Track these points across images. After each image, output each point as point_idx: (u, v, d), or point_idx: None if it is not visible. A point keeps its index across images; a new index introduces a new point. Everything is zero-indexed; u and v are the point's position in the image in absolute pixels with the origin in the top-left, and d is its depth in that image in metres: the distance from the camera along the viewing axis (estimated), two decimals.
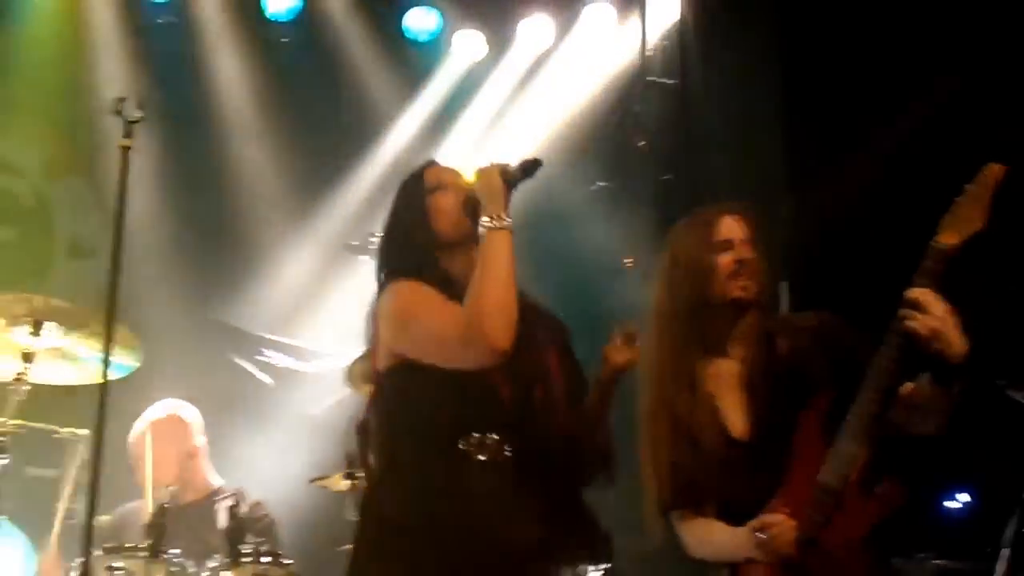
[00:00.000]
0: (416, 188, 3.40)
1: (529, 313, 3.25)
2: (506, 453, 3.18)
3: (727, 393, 3.46)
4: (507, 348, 3.02)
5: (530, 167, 3.28)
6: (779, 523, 3.20)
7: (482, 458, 3.16)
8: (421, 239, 3.31)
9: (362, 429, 3.34)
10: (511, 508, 3.16)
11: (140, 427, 5.26)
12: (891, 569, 3.40)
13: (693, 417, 3.42)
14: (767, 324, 3.50)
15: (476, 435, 3.16)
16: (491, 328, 3.00)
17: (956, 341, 3.08)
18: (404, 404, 3.21)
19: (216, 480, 5.35)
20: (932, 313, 3.07)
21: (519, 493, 3.17)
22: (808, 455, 3.29)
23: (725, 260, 3.45)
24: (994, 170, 3.16)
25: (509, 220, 3.15)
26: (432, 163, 3.50)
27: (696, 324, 3.49)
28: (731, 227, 3.51)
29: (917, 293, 3.10)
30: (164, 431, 5.25)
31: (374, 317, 3.28)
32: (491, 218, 3.13)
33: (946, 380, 3.15)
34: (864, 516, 3.26)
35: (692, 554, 3.46)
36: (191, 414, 5.41)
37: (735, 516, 3.36)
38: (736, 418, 3.42)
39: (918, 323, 3.08)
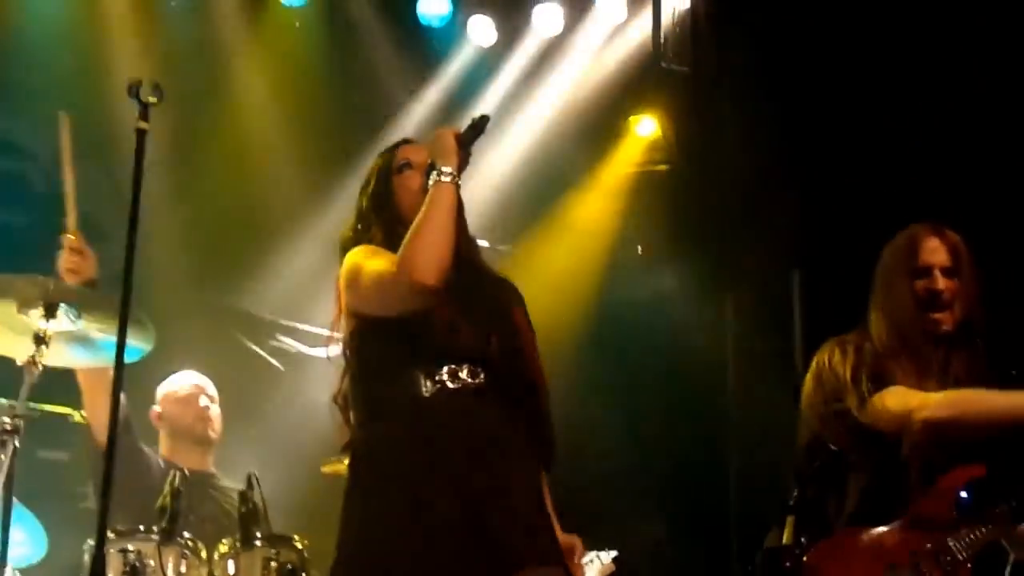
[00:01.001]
0: (386, 166, 3.52)
1: (492, 275, 3.48)
2: (478, 381, 3.26)
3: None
4: (435, 284, 3.13)
5: (479, 123, 3.34)
6: None
7: (453, 386, 3.25)
8: (385, 216, 3.42)
9: (342, 399, 3.42)
10: (487, 431, 3.23)
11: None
12: None
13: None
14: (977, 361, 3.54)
15: (447, 366, 3.25)
16: (421, 263, 3.13)
17: None
18: (371, 356, 3.32)
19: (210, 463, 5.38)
20: None
21: (492, 414, 3.26)
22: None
23: (921, 287, 3.50)
24: None
25: (455, 175, 3.25)
26: (406, 141, 3.62)
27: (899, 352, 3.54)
28: (933, 251, 3.54)
29: None
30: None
31: (336, 289, 3.42)
32: (439, 173, 3.24)
33: None
34: None
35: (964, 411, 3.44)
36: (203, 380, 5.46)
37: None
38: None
39: None
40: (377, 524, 3.18)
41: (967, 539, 3.31)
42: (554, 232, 7.20)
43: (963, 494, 3.39)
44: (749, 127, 6.83)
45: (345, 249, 3.46)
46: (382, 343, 3.29)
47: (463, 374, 3.26)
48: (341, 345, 3.42)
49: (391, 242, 3.33)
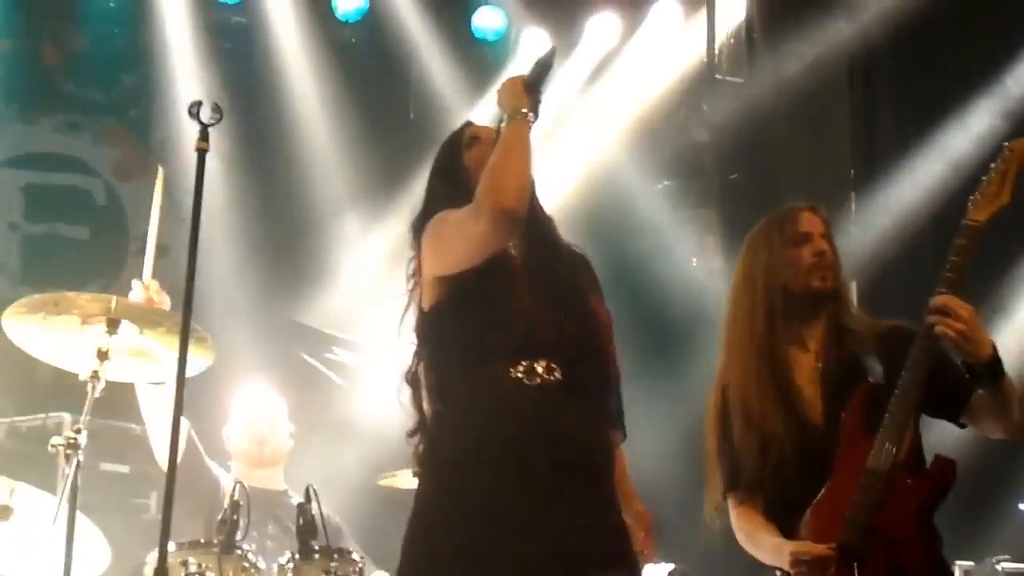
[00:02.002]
0: (455, 142, 3.48)
1: (567, 251, 3.38)
2: (555, 377, 3.18)
3: (805, 384, 3.50)
4: (517, 208, 3.06)
5: (545, 60, 3.31)
6: (816, 552, 3.24)
7: (530, 383, 3.16)
8: (457, 190, 3.31)
9: (413, 378, 3.32)
10: (563, 428, 3.16)
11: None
12: (941, 547, 3.40)
13: (765, 404, 3.47)
14: (842, 319, 3.55)
15: (524, 361, 3.17)
16: (501, 187, 3.04)
17: (983, 341, 3.22)
18: (447, 342, 3.23)
19: (282, 481, 5.39)
20: (958, 316, 3.19)
21: (570, 415, 3.17)
22: (852, 444, 3.34)
23: (805, 252, 3.52)
24: (1019, 146, 3.30)
25: (527, 114, 3.17)
26: (469, 123, 3.57)
27: (776, 316, 3.53)
28: (810, 221, 3.59)
29: (943, 299, 3.22)
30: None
31: (416, 261, 3.34)
32: (511, 115, 3.17)
33: (979, 379, 3.28)
34: (914, 495, 3.31)
35: (742, 545, 3.52)
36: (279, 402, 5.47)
37: (791, 508, 3.39)
38: (812, 408, 3.47)
39: (947, 328, 3.20)
40: (450, 528, 3.12)
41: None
42: (610, 241, 7.20)
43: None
44: (803, 139, 6.82)
45: (418, 230, 3.37)
46: (459, 329, 3.22)
47: (540, 369, 3.17)
48: (414, 328, 3.32)
49: None
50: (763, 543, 3.41)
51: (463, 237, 3.15)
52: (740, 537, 3.51)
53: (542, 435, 3.14)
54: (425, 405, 3.29)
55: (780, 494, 3.43)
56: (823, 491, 3.33)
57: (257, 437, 5.28)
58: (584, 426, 3.20)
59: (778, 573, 3.40)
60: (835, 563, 3.22)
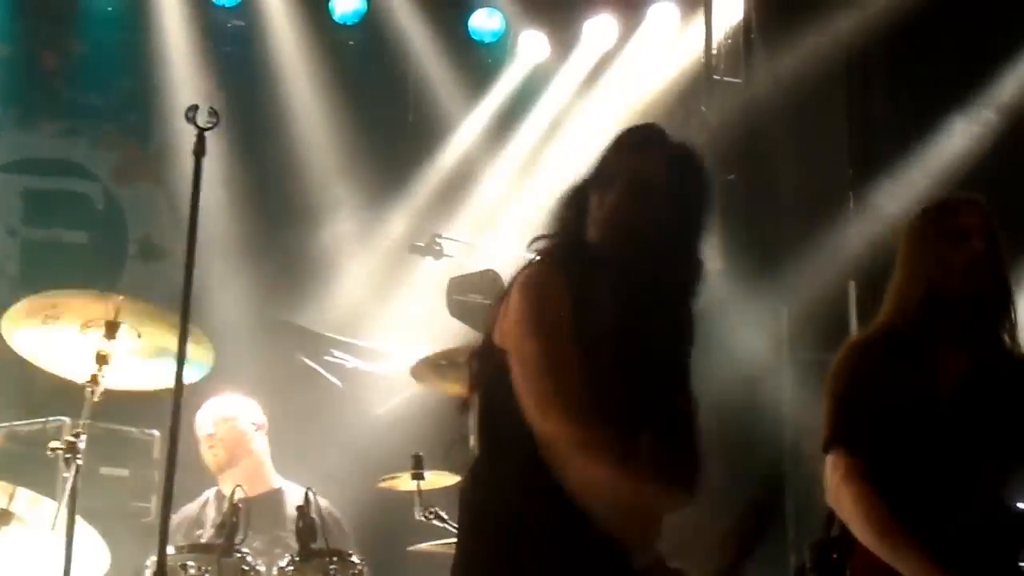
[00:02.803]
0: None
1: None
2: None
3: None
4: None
5: None
6: None
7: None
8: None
9: (464, 408, 2.99)
10: None
11: (206, 419, 5.35)
12: None
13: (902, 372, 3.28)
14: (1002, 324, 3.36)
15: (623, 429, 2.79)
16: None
17: None
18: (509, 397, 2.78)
19: (277, 480, 5.41)
20: None
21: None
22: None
23: (961, 254, 3.31)
24: None
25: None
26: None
27: (927, 316, 3.34)
28: (970, 216, 3.37)
29: None
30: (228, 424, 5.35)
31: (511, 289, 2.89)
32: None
33: None
34: None
35: (846, 520, 3.29)
36: (246, 409, 5.47)
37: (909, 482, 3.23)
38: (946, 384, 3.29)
39: None
40: None
41: None
42: None
43: None
44: (801, 139, 6.81)
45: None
46: None
47: None
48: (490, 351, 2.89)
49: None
50: (910, 554, 3.16)
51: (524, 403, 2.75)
52: (864, 516, 3.24)
53: None
54: (471, 439, 3.07)
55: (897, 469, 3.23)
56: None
57: (204, 447, 5.30)
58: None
59: (827, 550, 3.31)
60: None
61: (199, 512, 5.30)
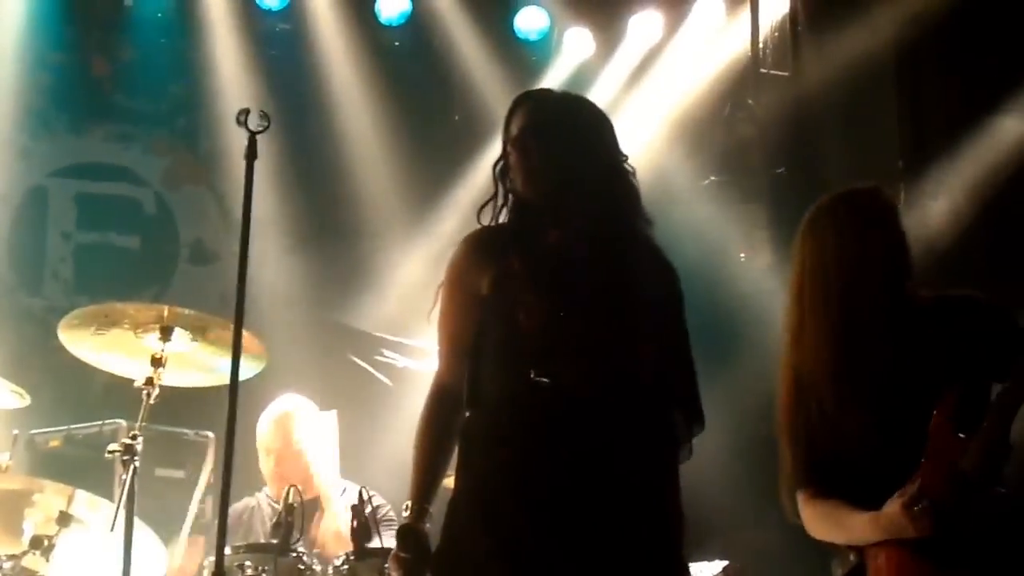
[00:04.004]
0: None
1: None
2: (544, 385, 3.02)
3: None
4: None
5: None
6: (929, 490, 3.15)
7: (546, 382, 3.01)
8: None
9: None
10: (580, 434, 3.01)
11: (268, 421, 5.37)
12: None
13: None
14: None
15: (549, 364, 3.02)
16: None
17: None
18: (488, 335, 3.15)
19: (341, 481, 5.40)
20: None
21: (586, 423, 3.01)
22: (941, 445, 3.23)
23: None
24: None
25: None
26: None
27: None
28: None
29: None
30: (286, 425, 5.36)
31: None
32: None
33: None
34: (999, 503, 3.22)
35: (816, 535, 3.39)
36: (304, 410, 5.48)
37: (864, 497, 3.28)
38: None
39: None
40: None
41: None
42: (657, 239, 7.18)
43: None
44: (850, 131, 6.77)
45: None
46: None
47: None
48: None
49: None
50: (852, 521, 3.28)
51: None
52: (820, 521, 3.37)
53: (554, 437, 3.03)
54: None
55: (855, 487, 3.31)
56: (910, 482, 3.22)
57: (269, 455, 5.30)
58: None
59: (852, 557, 3.33)
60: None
61: (251, 511, 5.30)
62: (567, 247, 3.12)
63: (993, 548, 3.21)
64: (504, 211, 3.23)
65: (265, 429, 5.34)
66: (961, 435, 3.21)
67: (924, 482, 3.19)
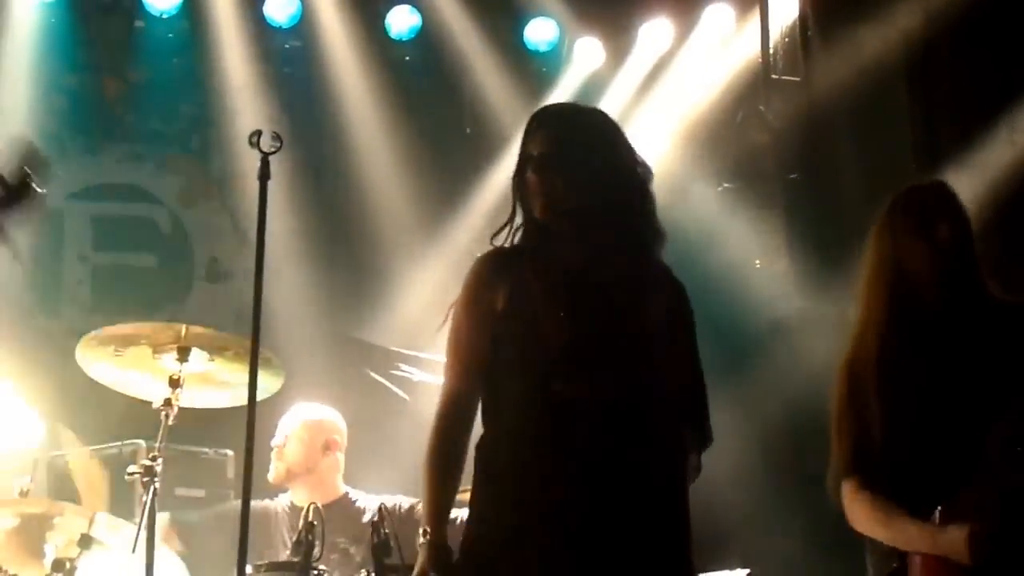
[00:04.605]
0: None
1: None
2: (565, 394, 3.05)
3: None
4: None
5: None
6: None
7: (569, 396, 3.04)
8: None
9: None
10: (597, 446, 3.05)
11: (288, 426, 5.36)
12: None
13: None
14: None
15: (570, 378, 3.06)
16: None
17: None
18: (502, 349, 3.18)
19: (342, 487, 5.40)
20: None
21: (606, 434, 3.04)
22: (999, 461, 3.21)
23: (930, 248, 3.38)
24: None
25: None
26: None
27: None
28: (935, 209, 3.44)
29: None
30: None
31: None
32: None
33: None
34: None
35: (858, 528, 3.38)
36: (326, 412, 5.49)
37: (909, 495, 3.28)
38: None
39: None
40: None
41: None
42: (671, 246, 7.17)
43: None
44: (863, 135, 6.76)
45: None
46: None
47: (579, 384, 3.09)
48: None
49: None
50: (906, 526, 3.26)
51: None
52: (868, 517, 3.35)
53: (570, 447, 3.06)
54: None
55: (902, 483, 3.30)
56: (976, 486, 3.22)
57: (275, 454, 5.30)
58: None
59: (893, 558, 3.31)
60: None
61: (269, 519, 5.27)
62: (583, 268, 3.15)
63: None
64: (519, 230, 3.24)
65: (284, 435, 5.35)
66: (1020, 450, 3.21)
67: (980, 499, 3.17)
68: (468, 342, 3.19)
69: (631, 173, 3.27)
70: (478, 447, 3.19)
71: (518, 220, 3.26)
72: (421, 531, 3.14)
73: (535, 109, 3.45)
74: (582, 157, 3.20)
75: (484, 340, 3.16)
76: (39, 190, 3.12)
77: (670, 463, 3.10)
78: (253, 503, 5.20)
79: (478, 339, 3.17)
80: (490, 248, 3.26)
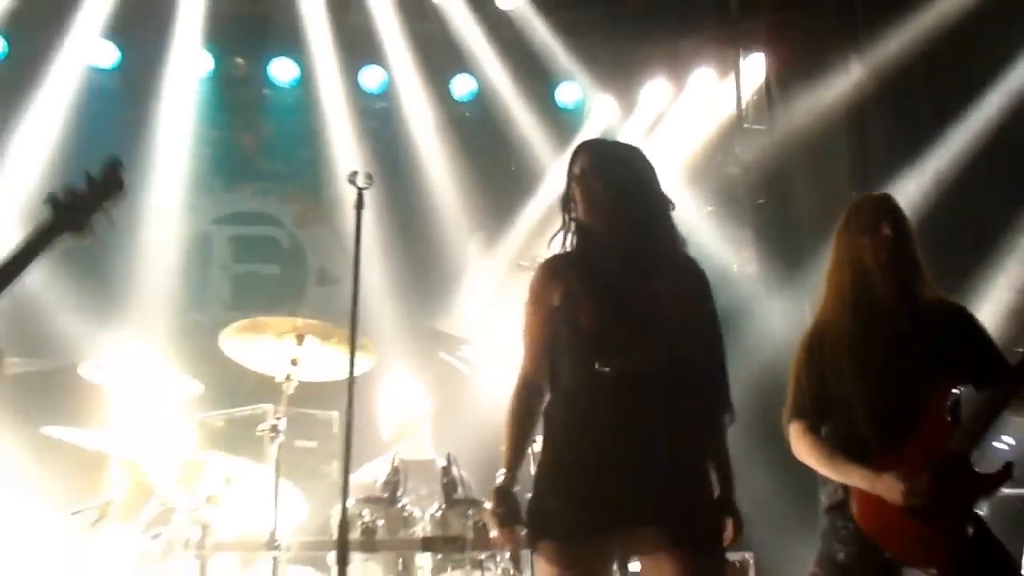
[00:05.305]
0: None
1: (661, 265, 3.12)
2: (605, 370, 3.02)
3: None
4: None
5: None
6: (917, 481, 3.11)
7: (607, 370, 3.01)
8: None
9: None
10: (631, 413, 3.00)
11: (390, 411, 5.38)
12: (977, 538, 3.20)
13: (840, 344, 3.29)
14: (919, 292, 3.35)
15: (606, 356, 3.02)
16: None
17: None
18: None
19: (431, 452, 5.42)
20: None
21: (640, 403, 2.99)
22: (936, 424, 3.18)
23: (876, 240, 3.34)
24: None
25: None
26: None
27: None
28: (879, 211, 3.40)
29: None
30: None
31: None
32: None
33: None
34: (976, 488, 3.17)
35: (804, 461, 3.33)
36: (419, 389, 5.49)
37: (850, 442, 3.23)
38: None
39: None
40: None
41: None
42: None
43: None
44: (813, 171, 6.72)
45: None
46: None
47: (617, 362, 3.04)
48: None
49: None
50: (849, 469, 3.22)
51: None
52: (812, 455, 3.30)
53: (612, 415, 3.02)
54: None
55: (846, 431, 3.26)
56: (907, 444, 3.17)
57: (391, 418, 5.30)
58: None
59: (839, 491, 3.28)
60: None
61: (374, 475, 5.28)
62: (617, 266, 3.11)
63: (961, 513, 3.17)
64: (569, 235, 3.21)
65: (390, 396, 5.35)
66: (950, 420, 3.18)
67: (919, 450, 3.14)
68: (535, 333, 3.16)
69: (655, 184, 3.23)
70: (544, 411, 3.17)
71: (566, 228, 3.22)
72: (498, 473, 3.13)
73: (564, 152, 3.45)
74: (616, 168, 3.18)
75: (547, 330, 3.14)
76: (121, 188, 3.02)
77: (684, 419, 3.01)
78: (360, 471, 5.20)
79: (542, 330, 3.14)
80: (545, 255, 3.25)
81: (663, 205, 3.20)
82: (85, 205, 2.95)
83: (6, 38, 6.79)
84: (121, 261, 6.81)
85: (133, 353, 4.66)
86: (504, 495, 3.10)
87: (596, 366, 3.02)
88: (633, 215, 3.12)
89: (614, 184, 3.13)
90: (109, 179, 3.00)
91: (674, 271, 3.14)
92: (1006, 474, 3.17)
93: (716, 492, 3.05)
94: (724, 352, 3.17)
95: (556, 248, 3.24)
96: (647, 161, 3.26)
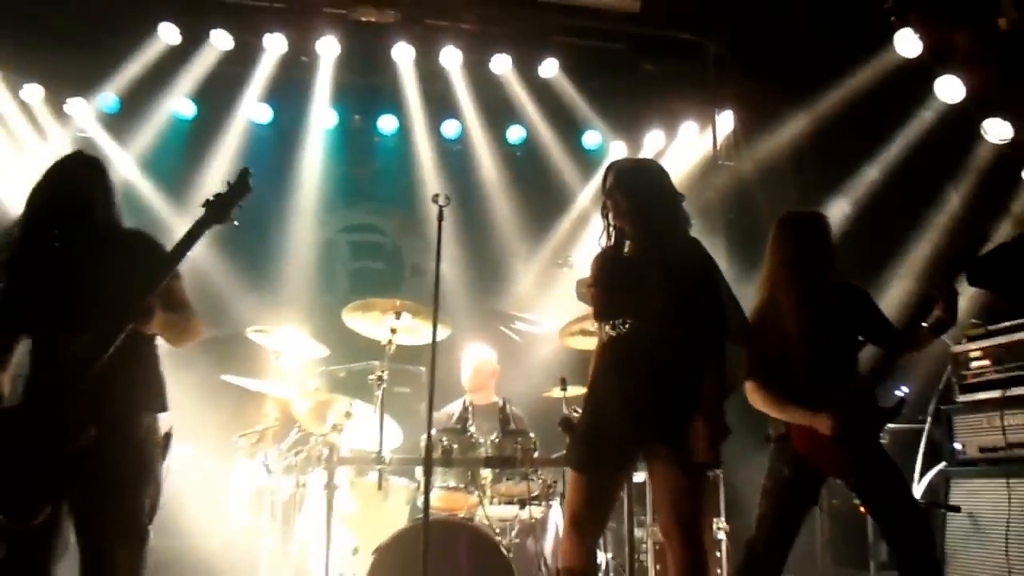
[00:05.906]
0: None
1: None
2: (624, 328, 3.02)
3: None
4: None
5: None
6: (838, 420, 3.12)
7: (613, 333, 3.03)
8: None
9: None
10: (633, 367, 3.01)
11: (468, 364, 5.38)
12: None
13: (781, 321, 3.27)
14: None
15: (617, 320, 3.04)
16: None
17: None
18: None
19: (495, 396, 5.40)
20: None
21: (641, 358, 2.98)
22: (849, 376, 3.21)
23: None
24: None
25: None
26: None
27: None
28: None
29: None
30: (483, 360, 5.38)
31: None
32: None
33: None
34: (879, 418, 3.19)
35: (758, 407, 3.30)
36: (491, 354, 5.51)
37: (792, 390, 3.21)
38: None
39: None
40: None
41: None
42: None
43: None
44: (770, 194, 6.64)
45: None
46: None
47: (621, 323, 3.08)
48: None
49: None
50: (797, 412, 3.20)
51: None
52: (768, 403, 3.27)
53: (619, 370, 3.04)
54: None
55: (788, 383, 3.24)
56: (833, 401, 3.16)
57: (470, 374, 5.33)
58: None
59: (783, 426, 3.26)
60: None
61: (450, 412, 5.33)
62: (636, 256, 3.08)
63: (867, 439, 3.17)
64: (609, 235, 3.18)
65: (471, 358, 5.35)
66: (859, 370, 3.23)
67: (839, 405, 3.14)
68: (595, 301, 3.15)
69: (666, 185, 3.20)
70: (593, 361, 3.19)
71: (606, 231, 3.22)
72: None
73: (589, 182, 3.45)
74: (637, 181, 3.16)
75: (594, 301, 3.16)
76: (249, 189, 2.99)
77: (683, 370, 2.97)
78: (444, 410, 5.20)
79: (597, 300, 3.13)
80: (597, 250, 3.23)
81: (673, 200, 3.17)
82: (224, 202, 2.97)
83: (196, 103, 6.94)
84: (276, 258, 6.95)
85: (283, 324, 4.74)
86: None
87: (612, 331, 3.03)
88: (653, 218, 3.10)
89: (636, 196, 3.10)
90: (240, 183, 3.01)
91: (684, 261, 3.06)
92: (899, 407, 3.18)
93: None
94: (722, 293, 3.06)
95: (602, 243, 3.23)
96: (661, 169, 3.24)
